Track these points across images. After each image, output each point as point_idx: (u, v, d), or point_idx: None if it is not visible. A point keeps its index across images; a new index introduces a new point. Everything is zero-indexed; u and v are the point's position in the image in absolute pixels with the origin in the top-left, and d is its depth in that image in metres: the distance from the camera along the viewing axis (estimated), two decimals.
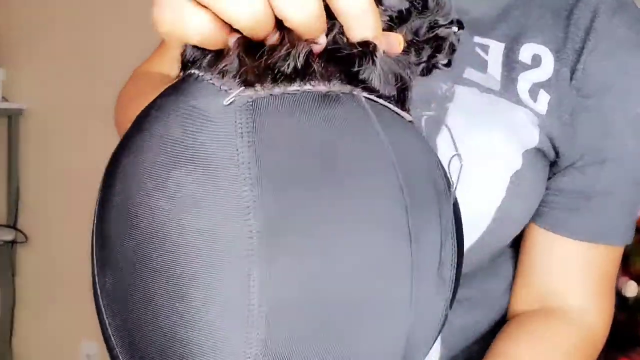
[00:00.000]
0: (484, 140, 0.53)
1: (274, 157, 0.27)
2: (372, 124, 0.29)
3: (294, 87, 0.28)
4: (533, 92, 0.55)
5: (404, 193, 0.28)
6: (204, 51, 0.29)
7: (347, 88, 0.29)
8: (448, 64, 0.35)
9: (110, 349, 0.30)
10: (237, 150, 0.27)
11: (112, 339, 0.29)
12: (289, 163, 0.27)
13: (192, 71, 0.30)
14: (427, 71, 0.35)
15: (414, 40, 0.33)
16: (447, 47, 0.34)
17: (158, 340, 0.27)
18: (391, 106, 0.31)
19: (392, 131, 0.30)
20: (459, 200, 0.53)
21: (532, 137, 0.55)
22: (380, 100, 0.31)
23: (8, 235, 2.10)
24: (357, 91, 0.30)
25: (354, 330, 0.28)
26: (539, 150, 0.55)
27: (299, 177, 0.27)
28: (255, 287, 0.26)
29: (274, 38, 0.28)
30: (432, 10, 0.33)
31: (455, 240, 0.32)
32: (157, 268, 0.27)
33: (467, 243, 0.54)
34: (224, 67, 0.28)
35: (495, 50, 0.56)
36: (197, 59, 0.30)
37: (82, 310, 1.99)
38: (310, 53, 0.28)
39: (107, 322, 0.29)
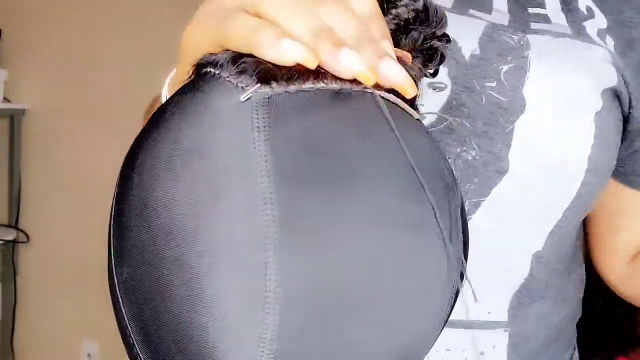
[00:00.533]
0: (568, 83, 0.53)
1: (290, 152, 0.28)
2: (386, 120, 0.30)
3: (308, 84, 0.29)
4: (601, 35, 0.55)
5: (425, 190, 0.29)
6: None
7: (360, 86, 0.30)
8: (434, 74, 0.37)
9: (126, 337, 0.31)
10: (254, 143, 0.28)
11: (129, 327, 0.30)
12: (304, 157, 0.28)
13: (209, 69, 0.31)
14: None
15: (412, 50, 0.34)
16: (438, 57, 0.36)
17: (174, 327, 0.28)
18: (401, 103, 0.32)
19: (403, 128, 0.31)
20: (552, 154, 0.52)
21: (611, 75, 0.54)
22: (392, 97, 0.32)
23: (9, 235, 2.11)
24: (370, 88, 0.30)
25: (366, 323, 0.28)
26: (615, 93, 0.55)
27: (313, 172, 0.28)
28: (271, 274, 0.26)
29: None
30: (432, 23, 0.35)
31: (462, 236, 0.33)
32: (174, 257, 0.27)
33: (565, 203, 0.54)
34: (241, 65, 0.30)
35: (552, 2, 0.56)
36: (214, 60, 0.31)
37: (83, 310, 2.00)
38: None
39: (123, 311, 0.30)
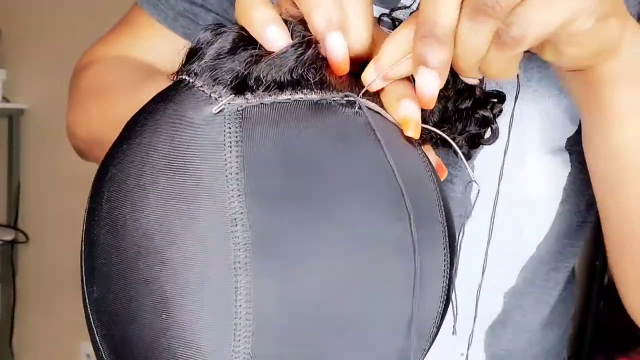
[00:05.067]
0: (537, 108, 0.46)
1: (263, 170, 0.26)
2: (372, 130, 0.28)
3: (285, 95, 0.28)
4: None
5: (406, 203, 0.28)
6: (217, 34, 0.29)
7: (339, 95, 0.29)
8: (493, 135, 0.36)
9: (99, 357, 0.30)
10: (225, 161, 0.26)
11: (101, 348, 0.29)
12: (278, 176, 0.26)
13: (183, 77, 0.29)
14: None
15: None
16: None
17: (144, 351, 0.26)
18: (382, 111, 0.31)
19: (388, 138, 0.29)
20: (520, 193, 0.46)
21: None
22: (375, 107, 0.30)
23: (8, 235, 2.10)
24: (353, 96, 0.29)
25: (343, 346, 0.27)
26: None
27: (288, 190, 0.26)
28: (242, 300, 0.25)
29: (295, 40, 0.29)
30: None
31: (448, 247, 0.31)
32: (143, 279, 0.26)
33: (538, 239, 0.48)
34: (215, 73, 0.28)
35: None
36: (192, 62, 0.29)
37: (82, 311, 1.99)
38: (307, 63, 0.28)
39: (95, 330, 0.29)
